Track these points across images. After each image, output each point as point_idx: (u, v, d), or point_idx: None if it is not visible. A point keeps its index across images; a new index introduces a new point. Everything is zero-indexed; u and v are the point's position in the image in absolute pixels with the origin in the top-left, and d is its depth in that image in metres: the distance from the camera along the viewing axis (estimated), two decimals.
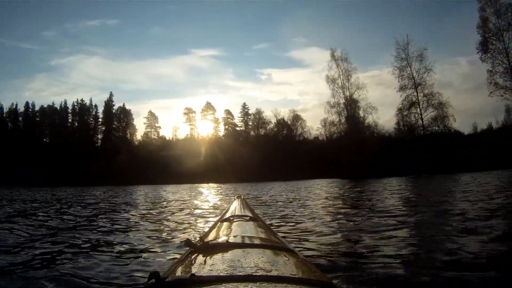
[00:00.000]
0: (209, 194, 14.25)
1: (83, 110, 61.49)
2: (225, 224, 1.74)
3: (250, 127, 63.02)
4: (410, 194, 9.79)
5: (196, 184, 33.12)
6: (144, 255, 2.98)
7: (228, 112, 64.28)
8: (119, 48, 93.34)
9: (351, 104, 40.57)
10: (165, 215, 6.49)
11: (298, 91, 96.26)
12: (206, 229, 2.07)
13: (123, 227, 4.84)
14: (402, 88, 37.61)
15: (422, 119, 36.61)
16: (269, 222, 4.39)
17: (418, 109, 36.90)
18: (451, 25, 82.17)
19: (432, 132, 36.07)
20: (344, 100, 41.12)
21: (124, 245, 3.41)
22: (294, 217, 5.56)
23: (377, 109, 40.71)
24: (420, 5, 78.87)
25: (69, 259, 2.82)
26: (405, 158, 33.80)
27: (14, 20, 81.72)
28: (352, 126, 39.58)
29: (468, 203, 6.00)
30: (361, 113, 40.28)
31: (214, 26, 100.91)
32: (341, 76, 41.44)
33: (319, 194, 11.42)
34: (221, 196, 12.56)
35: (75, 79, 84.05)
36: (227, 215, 2.04)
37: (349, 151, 36.02)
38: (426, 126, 36.48)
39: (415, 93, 37.12)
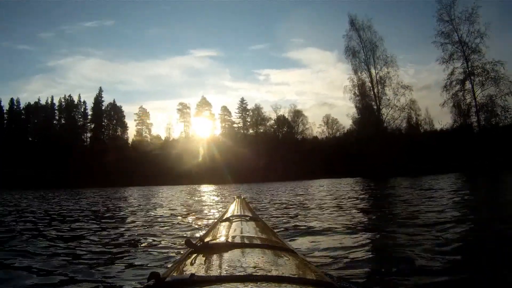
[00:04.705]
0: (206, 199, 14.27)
1: (70, 106, 60.97)
2: (225, 224, 1.78)
3: (248, 123, 62.24)
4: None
5: (191, 185, 33.05)
6: (144, 255, 3.05)
7: (225, 109, 63.58)
8: (116, 49, 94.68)
9: (378, 83, 34.76)
10: (164, 215, 6.55)
11: (296, 91, 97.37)
12: (206, 229, 2.12)
13: (122, 227, 4.91)
14: (447, 59, 31.29)
15: (475, 98, 29.93)
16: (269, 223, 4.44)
17: (469, 85, 30.28)
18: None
19: (488, 115, 29.39)
20: (369, 78, 35.12)
21: (124, 245, 3.48)
22: None
23: (411, 89, 34.53)
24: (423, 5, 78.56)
25: (68, 259, 2.88)
26: (449, 152, 29.55)
27: (11, 21, 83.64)
28: (375, 115, 34.45)
29: None
30: (391, 95, 34.41)
31: (211, 27, 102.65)
32: (364, 49, 35.32)
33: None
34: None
35: (72, 80, 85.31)
36: (227, 215, 2.09)
37: (373, 145, 31.30)
38: (481, 107, 29.65)
39: (465, 64, 30.55)
